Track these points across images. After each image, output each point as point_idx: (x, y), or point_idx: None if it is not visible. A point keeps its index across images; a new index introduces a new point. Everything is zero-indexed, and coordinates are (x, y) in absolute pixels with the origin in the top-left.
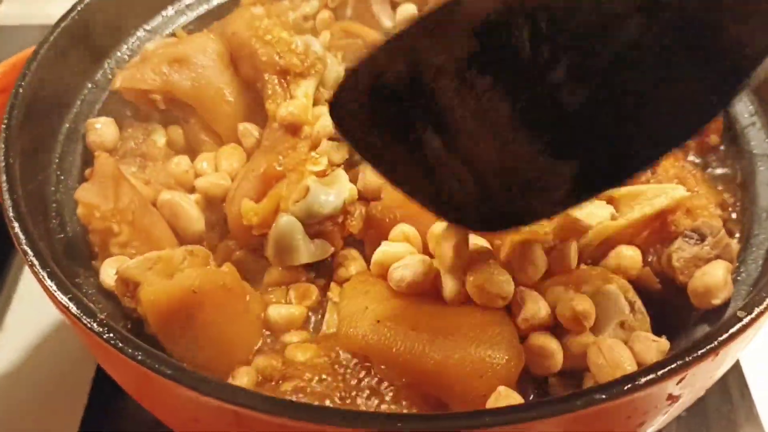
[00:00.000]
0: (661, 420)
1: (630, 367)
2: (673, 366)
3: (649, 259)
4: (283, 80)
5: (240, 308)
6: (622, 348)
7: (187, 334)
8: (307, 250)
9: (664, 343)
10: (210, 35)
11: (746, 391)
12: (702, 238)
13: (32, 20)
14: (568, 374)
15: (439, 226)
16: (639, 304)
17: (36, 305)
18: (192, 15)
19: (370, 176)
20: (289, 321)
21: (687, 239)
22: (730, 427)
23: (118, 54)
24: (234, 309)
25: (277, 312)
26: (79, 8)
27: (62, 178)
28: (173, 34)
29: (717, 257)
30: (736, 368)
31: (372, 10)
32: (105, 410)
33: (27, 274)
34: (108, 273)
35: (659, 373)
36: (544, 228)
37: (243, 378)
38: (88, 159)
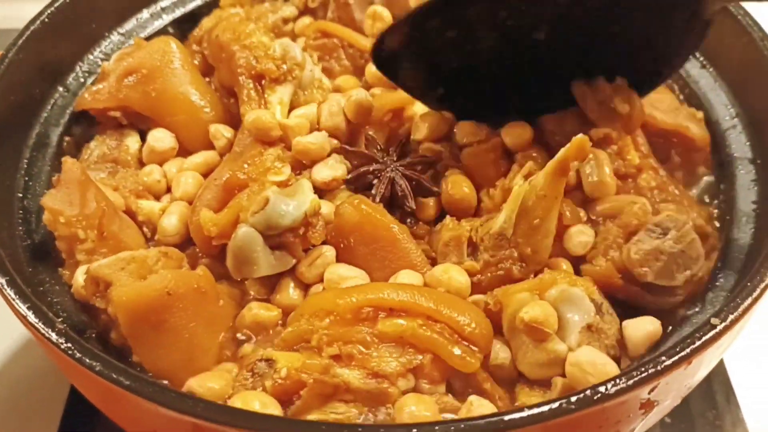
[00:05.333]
0: (638, 428)
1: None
2: (643, 375)
3: (610, 255)
4: (258, 85)
5: (212, 313)
6: (597, 356)
7: (157, 337)
8: (266, 263)
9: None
10: (169, 39)
11: (732, 396)
12: (665, 231)
13: (6, 24)
14: (536, 381)
15: None
16: (606, 305)
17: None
18: (167, 18)
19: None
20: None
21: (649, 232)
22: None
23: (90, 58)
24: (206, 313)
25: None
26: (48, 11)
27: (30, 183)
28: None
29: (681, 252)
30: (722, 373)
31: (352, 14)
32: (82, 420)
33: None
34: (80, 280)
35: (629, 382)
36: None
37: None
38: (57, 164)
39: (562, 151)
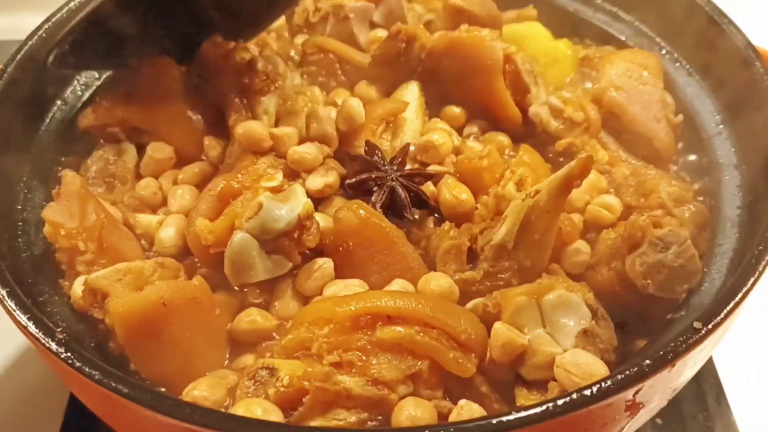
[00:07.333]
0: (626, 429)
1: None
2: (627, 377)
3: (612, 265)
4: (244, 98)
5: (208, 322)
6: (581, 357)
7: (154, 346)
8: (263, 267)
9: None
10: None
11: (723, 398)
12: (667, 246)
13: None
14: (534, 384)
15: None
16: (602, 310)
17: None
18: None
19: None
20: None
21: (653, 246)
22: None
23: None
24: (202, 323)
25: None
26: (46, 26)
27: (29, 195)
28: None
29: (682, 267)
30: (712, 375)
31: (351, 29)
32: (81, 427)
33: None
34: (78, 291)
35: (613, 385)
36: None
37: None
38: (56, 177)
39: (566, 169)
